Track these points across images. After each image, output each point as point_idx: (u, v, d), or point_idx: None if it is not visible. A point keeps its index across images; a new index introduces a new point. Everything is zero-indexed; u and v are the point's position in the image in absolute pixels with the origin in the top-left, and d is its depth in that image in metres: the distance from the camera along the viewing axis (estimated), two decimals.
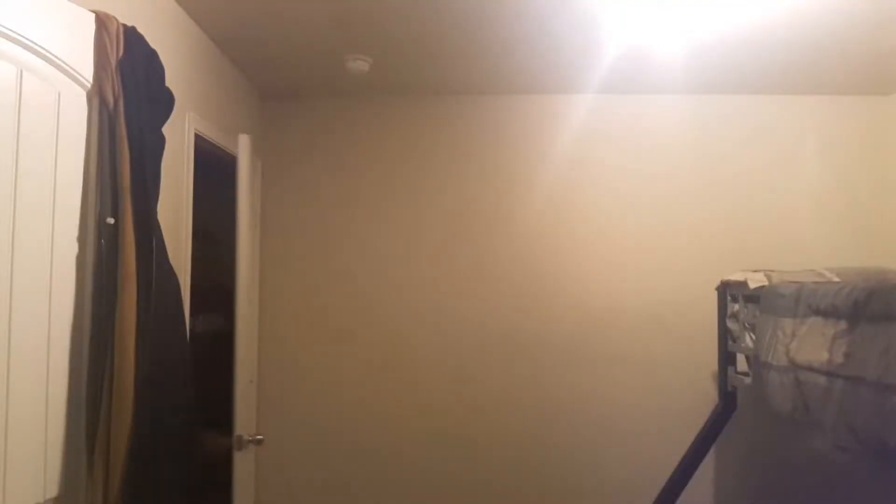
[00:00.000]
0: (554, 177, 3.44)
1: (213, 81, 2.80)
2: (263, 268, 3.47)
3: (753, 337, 2.57)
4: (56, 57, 1.56)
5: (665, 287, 3.37)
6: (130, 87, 1.71)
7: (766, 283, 2.50)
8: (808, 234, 3.35)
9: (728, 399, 2.92)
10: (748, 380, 2.65)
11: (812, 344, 2.06)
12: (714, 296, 2.95)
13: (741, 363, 2.85)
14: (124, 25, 1.76)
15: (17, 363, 1.43)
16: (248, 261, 2.68)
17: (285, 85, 3.36)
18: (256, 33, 2.70)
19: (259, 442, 2.54)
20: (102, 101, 1.68)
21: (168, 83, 1.95)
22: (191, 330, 2.40)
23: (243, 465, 2.54)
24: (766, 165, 3.41)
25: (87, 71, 1.67)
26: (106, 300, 1.66)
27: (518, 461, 3.38)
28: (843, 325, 1.94)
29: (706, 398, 3.13)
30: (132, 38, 1.78)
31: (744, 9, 2.43)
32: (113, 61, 1.68)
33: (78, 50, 1.64)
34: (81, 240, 1.67)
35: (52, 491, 1.56)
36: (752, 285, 2.57)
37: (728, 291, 2.86)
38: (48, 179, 1.56)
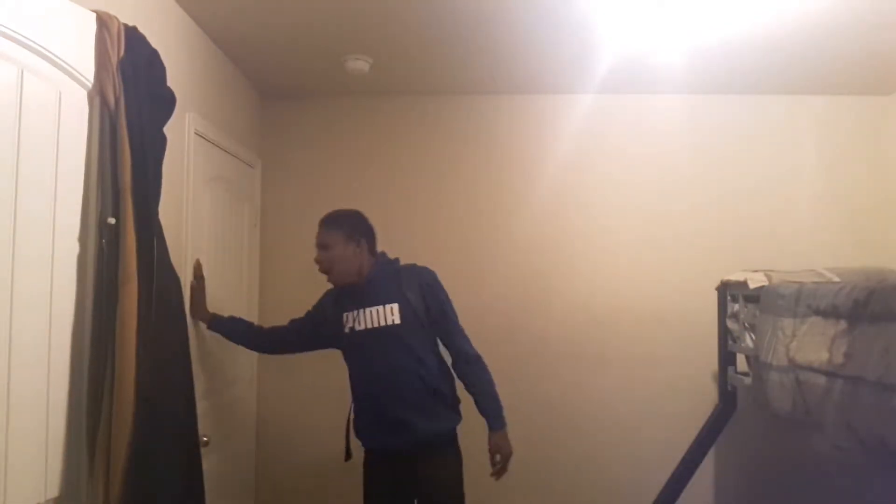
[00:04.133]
0: (554, 176, 3.44)
1: (213, 81, 2.79)
2: (263, 267, 3.47)
3: (753, 337, 2.57)
4: (57, 57, 1.56)
5: (665, 287, 3.37)
6: (131, 87, 1.71)
7: (766, 283, 2.50)
8: (808, 234, 3.35)
9: (728, 399, 2.92)
10: (748, 380, 2.65)
11: (812, 344, 2.07)
12: (714, 296, 2.95)
13: (741, 363, 2.86)
14: (125, 25, 1.75)
15: (17, 363, 1.43)
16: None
17: (285, 85, 3.36)
18: (256, 33, 2.70)
19: (205, 444, 2.28)
20: (103, 101, 1.68)
21: (168, 83, 1.95)
22: None
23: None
24: (766, 165, 3.41)
25: (87, 71, 1.66)
26: (107, 300, 1.65)
27: (517, 460, 3.38)
28: (843, 325, 1.94)
29: (706, 398, 3.13)
30: (133, 37, 1.77)
31: (744, 9, 2.44)
32: (114, 61, 1.68)
33: (79, 50, 1.64)
34: (82, 240, 1.66)
35: (53, 491, 1.55)
36: (752, 285, 2.57)
37: (728, 291, 2.86)
38: (49, 179, 1.55)
